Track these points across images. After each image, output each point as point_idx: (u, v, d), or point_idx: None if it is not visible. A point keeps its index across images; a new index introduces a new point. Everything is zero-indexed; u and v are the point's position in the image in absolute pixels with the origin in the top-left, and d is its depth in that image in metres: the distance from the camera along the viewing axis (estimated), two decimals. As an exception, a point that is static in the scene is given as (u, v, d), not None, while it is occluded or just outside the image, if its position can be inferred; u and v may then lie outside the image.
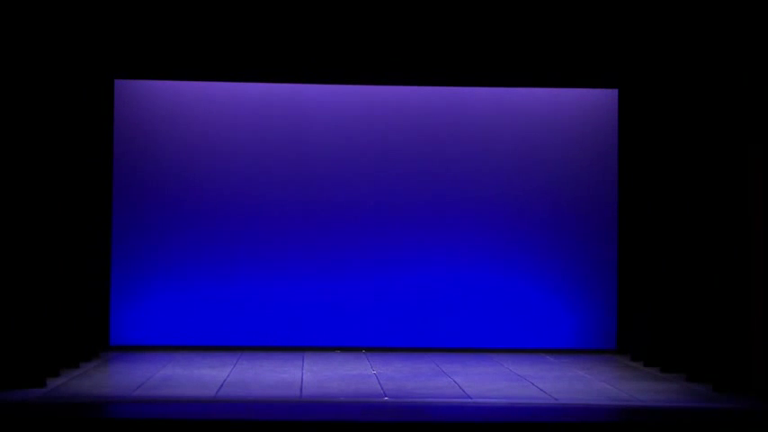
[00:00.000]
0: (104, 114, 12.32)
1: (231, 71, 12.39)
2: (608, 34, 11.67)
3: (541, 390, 9.89)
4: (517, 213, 12.81)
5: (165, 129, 12.67)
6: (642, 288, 11.97)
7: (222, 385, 9.97)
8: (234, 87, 12.71)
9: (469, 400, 9.36)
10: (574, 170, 12.84)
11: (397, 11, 11.48)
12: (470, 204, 12.79)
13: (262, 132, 12.74)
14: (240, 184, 12.68)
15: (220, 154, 12.69)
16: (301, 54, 12.05)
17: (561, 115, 12.88)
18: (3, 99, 9.77)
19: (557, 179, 12.83)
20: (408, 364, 11.57)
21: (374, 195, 12.78)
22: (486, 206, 12.80)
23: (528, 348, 12.67)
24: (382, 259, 12.75)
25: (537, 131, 12.84)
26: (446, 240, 12.75)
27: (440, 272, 12.74)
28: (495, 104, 12.86)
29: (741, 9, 9.93)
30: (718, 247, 10.18)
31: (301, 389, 9.86)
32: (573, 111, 12.89)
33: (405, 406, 9.01)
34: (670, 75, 11.38)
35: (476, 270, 12.74)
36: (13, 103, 9.80)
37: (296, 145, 12.75)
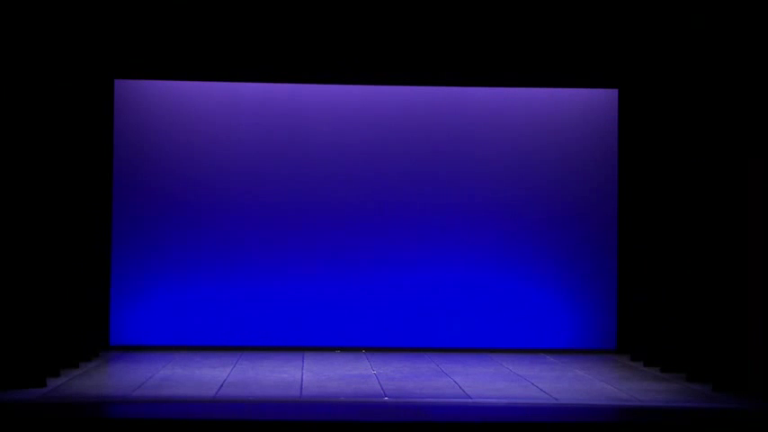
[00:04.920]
0: (104, 114, 12.33)
1: (231, 71, 12.39)
2: (608, 34, 11.68)
3: (541, 390, 9.89)
4: (517, 213, 12.81)
5: (164, 129, 12.67)
6: (642, 288, 11.98)
7: (222, 385, 9.97)
8: (234, 87, 12.71)
9: (469, 400, 9.36)
10: (574, 170, 12.84)
11: (396, 11, 11.48)
12: (470, 204, 12.79)
13: (262, 132, 12.74)
14: (240, 183, 12.68)
15: (220, 154, 12.69)
16: (301, 54, 12.05)
17: (561, 115, 12.87)
18: (3, 99, 9.78)
19: (556, 179, 12.83)
20: (408, 364, 11.57)
21: (374, 196, 12.78)
22: (486, 206, 12.80)
23: (528, 348, 12.67)
24: (382, 259, 12.75)
25: (537, 131, 12.84)
26: (446, 240, 12.75)
27: (440, 272, 12.74)
28: (495, 104, 12.86)
29: (741, 12, 9.94)
30: (717, 248, 10.18)
31: (301, 389, 9.86)
32: (573, 111, 12.89)
33: (405, 406, 9.01)
34: (670, 75, 11.38)
35: (476, 270, 12.74)
36: (13, 104, 9.80)
37: (296, 145, 12.75)
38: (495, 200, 12.80)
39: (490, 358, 12.07)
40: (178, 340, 12.51)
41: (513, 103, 12.87)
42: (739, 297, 9.89)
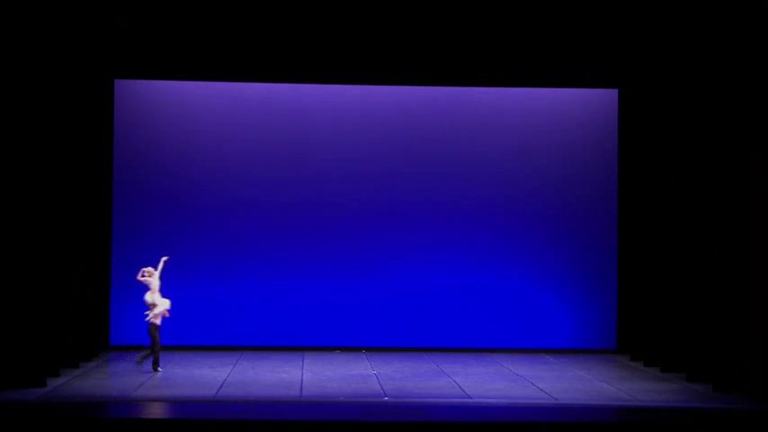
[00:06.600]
0: (104, 114, 12.33)
1: (231, 71, 12.39)
2: (608, 35, 11.68)
3: (541, 390, 9.90)
4: (517, 213, 12.81)
5: (165, 129, 12.68)
6: (642, 289, 11.98)
7: (222, 385, 9.98)
8: (234, 87, 12.72)
9: (469, 400, 9.37)
10: (574, 170, 12.85)
11: (397, 12, 11.47)
12: (470, 205, 12.79)
13: (262, 132, 12.75)
14: (240, 184, 12.68)
15: (220, 154, 12.69)
16: (302, 54, 12.04)
17: (561, 115, 12.88)
18: (3, 99, 9.78)
19: (557, 179, 12.83)
20: (408, 364, 11.57)
21: (374, 196, 12.78)
22: (486, 206, 12.81)
23: (528, 348, 12.67)
24: (382, 259, 12.75)
25: (537, 131, 12.85)
26: (446, 241, 12.75)
27: (440, 272, 12.74)
28: (495, 104, 12.87)
29: (742, 14, 9.96)
30: (717, 249, 10.19)
31: (301, 389, 9.87)
32: (573, 111, 12.90)
33: (405, 406, 9.02)
34: (670, 76, 11.38)
35: (476, 270, 12.74)
36: (13, 104, 9.80)
37: (296, 145, 12.76)
38: (494, 200, 12.80)
39: (490, 358, 12.08)
40: (178, 340, 12.50)
41: (513, 103, 12.88)
42: (739, 297, 9.89)
